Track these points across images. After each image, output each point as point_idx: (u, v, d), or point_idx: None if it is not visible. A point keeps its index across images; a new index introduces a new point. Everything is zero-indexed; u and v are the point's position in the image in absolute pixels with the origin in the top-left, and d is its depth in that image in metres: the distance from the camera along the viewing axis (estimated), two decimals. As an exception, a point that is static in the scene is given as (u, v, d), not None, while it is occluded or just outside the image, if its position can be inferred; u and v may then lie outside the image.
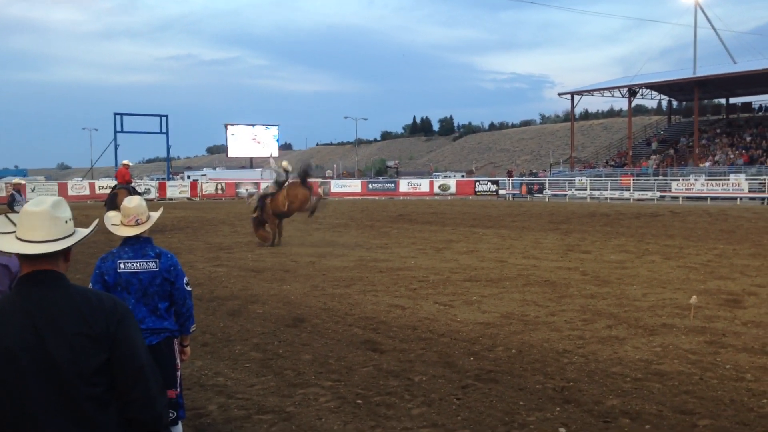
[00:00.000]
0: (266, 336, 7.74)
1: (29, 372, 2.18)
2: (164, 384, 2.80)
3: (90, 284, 4.21)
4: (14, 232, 2.36)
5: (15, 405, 2.16)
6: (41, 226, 2.33)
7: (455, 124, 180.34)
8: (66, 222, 2.40)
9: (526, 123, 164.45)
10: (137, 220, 4.28)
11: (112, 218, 4.41)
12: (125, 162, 22.37)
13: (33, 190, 42.24)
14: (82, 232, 2.48)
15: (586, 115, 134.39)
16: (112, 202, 18.87)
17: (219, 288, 10.78)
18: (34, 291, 2.28)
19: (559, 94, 63.57)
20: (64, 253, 2.38)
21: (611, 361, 6.59)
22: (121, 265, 4.21)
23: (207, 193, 47.48)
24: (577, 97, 59.85)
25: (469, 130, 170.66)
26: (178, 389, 4.48)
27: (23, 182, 19.34)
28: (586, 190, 44.14)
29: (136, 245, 4.28)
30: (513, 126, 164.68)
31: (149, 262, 4.25)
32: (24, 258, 2.33)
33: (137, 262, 4.23)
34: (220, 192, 48.12)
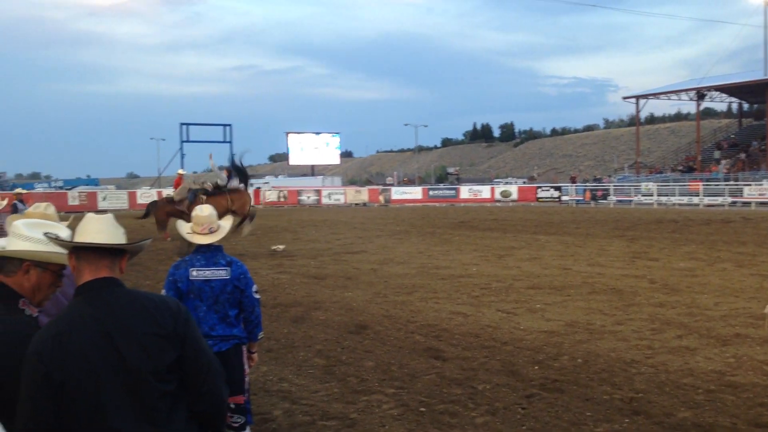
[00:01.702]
0: (329, 342, 7.79)
1: (103, 373, 2.27)
2: (233, 390, 2.87)
3: (163, 291, 4.32)
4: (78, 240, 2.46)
5: (90, 405, 2.24)
6: (106, 230, 2.46)
7: (516, 130, 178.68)
8: (123, 233, 2.53)
9: (589, 128, 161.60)
10: (210, 228, 4.38)
11: (184, 227, 4.52)
12: (180, 171, 23.22)
13: (104, 199, 43.64)
14: (137, 246, 2.60)
15: (652, 119, 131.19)
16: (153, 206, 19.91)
17: (282, 294, 10.91)
18: (98, 296, 2.38)
19: (624, 98, 62.11)
20: (120, 262, 2.49)
21: (682, 372, 6.40)
22: (194, 273, 4.31)
23: (269, 200, 48.14)
24: (642, 101, 58.53)
25: (531, 135, 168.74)
26: (246, 395, 4.55)
27: (24, 192, 19.99)
28: (652, 195, 43.02)
29: (208, 253, 4.38)
30: (575, 131, 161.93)
31: (221, 270, 4.34)
32: (86, 264, 2.42)
33: (209, 270, 4.32)
34: (282, 200, 48.74)
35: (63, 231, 2.68)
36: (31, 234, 2.60)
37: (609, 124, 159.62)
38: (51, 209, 4.05)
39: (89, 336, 2.30)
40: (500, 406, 5.58)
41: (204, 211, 4.44)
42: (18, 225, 2.65)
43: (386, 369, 6.69)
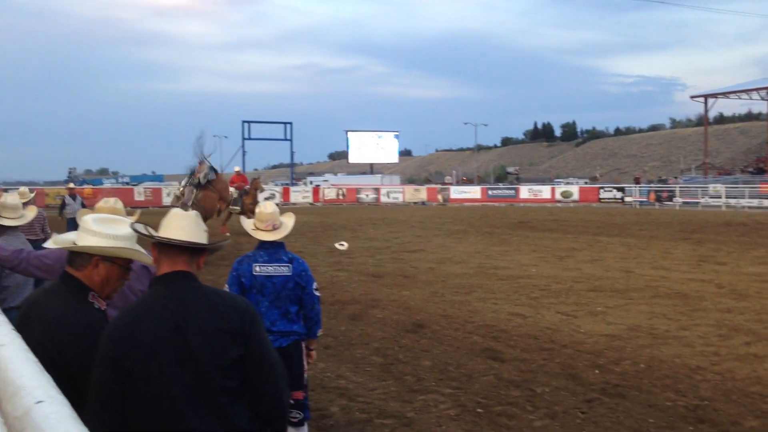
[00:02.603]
0: (386, 341, 7.80)
1: (169, 365, 2.33)
2: (292, 386, 2.90)
3: (226, 286, 4.39)
4: (153, 237, 2.54)
5: (156, 396, 2.30)
6: (188, 227, 2.52)
7: (578, 129, 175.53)
8: (205, 231, 2.60)
9: (654, 127, 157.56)
10: (273, 225, 4.45)
11: (248, 224, 4.60)
12: (236, 169, 24.16)
13: (169, 195, 44.56)
14: (215, 247, 2.71)
15: (720, 119, 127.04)
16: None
17: (340, 292, 10.98)
18: (172, 289, 2.45)
19: (692, 97, 60.50)
20: (198, 259, 2.56)
21: (750, 380, 6.18)
22: (257, 268, 4.38)
23: (328, 198, 48.54)
24: (711, 100, 56.87)
25: (593, 135, 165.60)
26: (305, 391, 4.59)
27: (75, 187, 20.37)
28: (720, 197, 41.71)
29: (271, 249, 4.45)
30: (640, 131, 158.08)
31: (283, 266, 4.41)
32: (166, 257, 2.50)
33: (272, 266, 4.39)
34: (341, 197, 49.06)
35: (127, 226, 2.75)
36: (100, 229, 2.67)
37: (675, 124, 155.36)
38: (119, 204, 4.16)
39: (159, 325, 2.37)
40: (559, 409, 5.49)
41: (267, 208, 4.52)
42: (87, 220, 2.72)
43: (443, 369, 6.67)
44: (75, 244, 2.67)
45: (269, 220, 4.46)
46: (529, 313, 9.23)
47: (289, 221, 4.62)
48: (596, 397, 5.77)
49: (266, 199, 21.76)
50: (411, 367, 6.76)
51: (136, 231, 2.65)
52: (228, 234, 19.44)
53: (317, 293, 4.60)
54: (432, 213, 36.43)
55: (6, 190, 18.65)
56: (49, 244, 2.89)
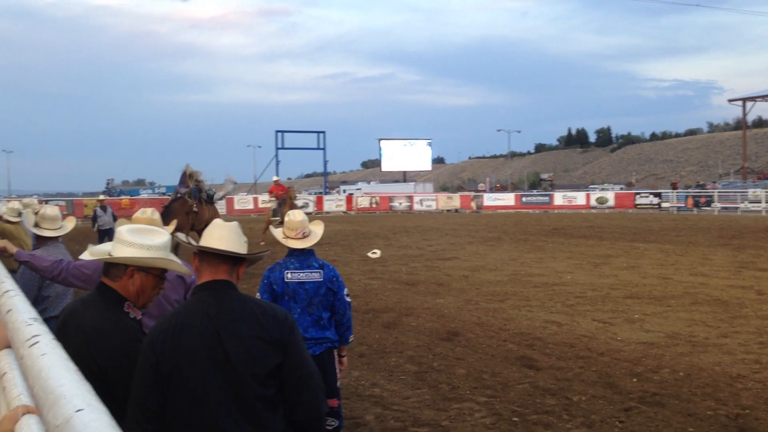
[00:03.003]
0: (421, 349, 7.79)
1: (208, 371, 2.38)
2: (327, 393, 2.91)
3: (258, 293, 4.43)
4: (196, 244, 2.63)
5: (194, 401, 2.35)
6: (229, 237, 2.58)
7: (613, 135, 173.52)
8: (245, 242, 2.65)
9: (691, 132, 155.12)
10: (303, 233, 4.49)
11: (277, 232, 4.65)
12: (275, 178, 24.13)
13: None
14: (255, 258, 2.79)
15: (759, 123, 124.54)
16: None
17: (374, 300, 10.99)
18: (213, 297, 2.51)
19: (730, 101, 59.72)
20: (238, 269, 2.61)
21: (793, 388, 6.04)
22: (288, 275, 4.42)
23: (361, 206, 48.63)
24: (749, 104, 55.87)
25: (628, 140, 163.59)
26: (338, 399, 4.61)
27: (106, 199, 20.51)
28: (760, 202, 40.90)
29: (302, 256, 4.49)
30: (677, 135, 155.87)
31: (314, 272, 4.45)
32: (207, 266, 2.57)
33: (303, 273, 4.43)
34: (374, 206, 49.12)
35: (164, 236, 2.79)
36: (135, 240, 2.70)
37: (713, 128, 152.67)
38: (156, 215, 4.21)
39: (200, 332, 2.42)
40: (596, 418, 5.43)
41: (296, 216, 4.55)
42: (122, 231, 2.75)
43: (478, 377, 6.63)
44: (110, 255, 2.72)
45: (299, 228, 4.50)
46: (564, 320, 9.14)
47: (318, 229, 4.65)
48: (634, 406, 5.69)
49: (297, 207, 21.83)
50: (445, 375, 6.73)
51: (178, 240, 2.74)
52: (263, 243, 19.57)
53: (348, 299, 4.63)
54: (465, 220, 36.30)
55: (46, 202, 19.02)
56: (85, 256, 2.93)
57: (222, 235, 2.59)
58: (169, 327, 2.46)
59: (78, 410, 0.84)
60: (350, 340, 4.72)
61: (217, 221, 2.70)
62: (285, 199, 22.43)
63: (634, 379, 6.43)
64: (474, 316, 9.50)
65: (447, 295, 11.32)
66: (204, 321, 2.45)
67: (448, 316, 9.60)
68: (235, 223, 2.69)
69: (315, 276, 4.45)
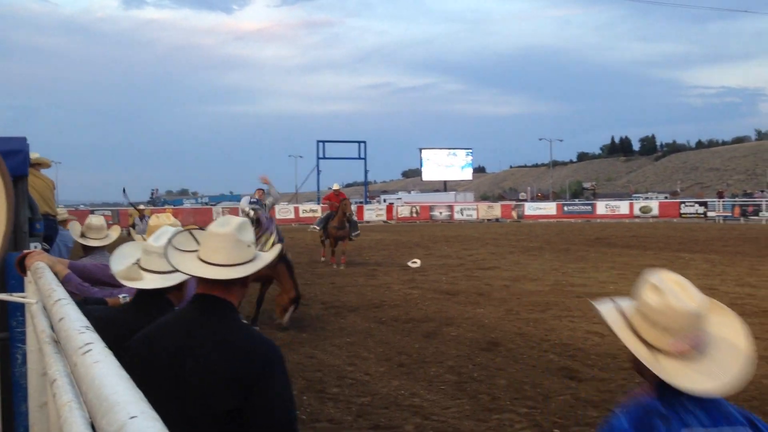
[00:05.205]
0: (461, 359, 7.77)
1: (166, 387, 2.15)
2: None
3: None
4: (197, 251, 2.35)
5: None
6: (223, 249, 2.27)
7: (657, 143, 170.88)
8: (248, 246, 2.33)
9: (738, 140, 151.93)
10: (696, 341, 1.99)
11: (642, 350, 2.42)
12: (335, 186, 19.86)
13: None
14: (265, 259, 2.40)
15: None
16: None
17: (414, 310, 10.99)
18: (198, 314, 2.28)
19: (777, 107, 58.14)
20: (243, 279, 2.32)
21: None
22: None
23: (402, 216, 48.67)
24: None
25: (673, 149, 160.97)
26: None
27: (145, 208, 20.38)
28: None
29: (708, 404, 2.01)
30: (723, 143, 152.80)
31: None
32: (200, 279, 2.32)
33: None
34: (414, 215, 49.13)
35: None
36: (157, 267, 2.81)
37: (762, 136, 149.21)
38: (171, 219, 4.22)
39: (170, 347, 2.22)
40: (639, 431, 5.35)
41: (683, 305, 2.03)
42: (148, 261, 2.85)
43: (519, 388, 6.59)
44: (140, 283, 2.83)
45: (687, 329, 1.98)
46: (607, 331, 9.01)
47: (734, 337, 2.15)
48: (678, 420, 5.59)
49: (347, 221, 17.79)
50: (486, 385, 6.71)
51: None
52: (323, 259, 18.84)
53: None
54: (506, 230, 36.08)
55: (92, 212, 19.41)
56: (125, 282, 2.93)
57: (216, 248, 2.27)
58: (148, 333, 2.31)
59: (132, 417, 0.88)
60: None
61: (211, 228, 2.37)
62: (335, 211, 18.21)
63: (679, 392, 6.32)
64: (515, 326, 9.44)
65: (487, 305, 11.27)
66: (178, 337, 2.23)
67: (488, 326, 9.56)
68: (233, 228, 2.31)
69: None
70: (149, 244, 2.90)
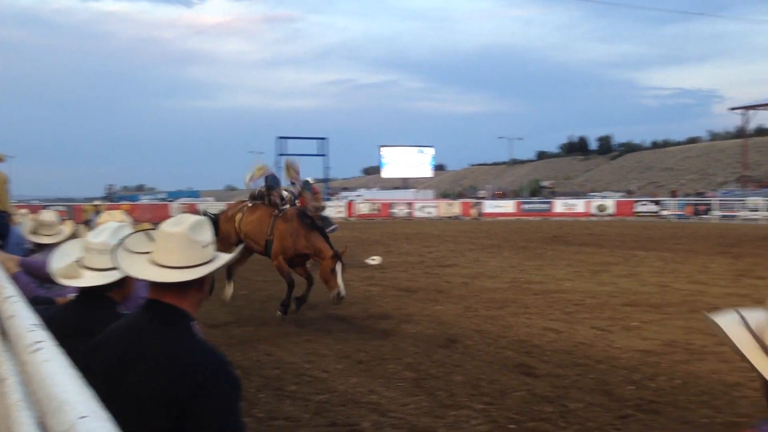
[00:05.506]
0: (419, 356, 7.81)
1: (107, 404, 1.97)
2: None
3: None
4: (150, 252, 2.20)
5: None
6: (176, 250, 2.12)
7: (614, 143, 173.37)
8: (204, 247, 2.17)
9: (692, 140, 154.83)
10: None
11: None
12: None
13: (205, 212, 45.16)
14: (222, 259, 2.24)
15: (760, 131, 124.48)
16: None
17: (373, 307, 11.01)
18: (146, 322, 2.11)
19: (731, 109, 59.82)
20: (198, 282, 2.16)
21: (789, 397, 6.06)
22: None
23: (362, 213, 48.68)
24: (750, 112, 55.96)
25: (629, 148, 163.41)
26: None
27: (100, 204, 20.20)
28: (759, 211, 40.95)
29: None
30: (677, 143, 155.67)
31: None
32: (151, 283, 2.16)
33: None
34: (374, 212, 49.18)
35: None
36: (99, 264, 2.77)
37: (714, 137, 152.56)
38: (122, 216, 4.15)
39: (112, 359, 2.09)
40: (593, 426, 5.45)
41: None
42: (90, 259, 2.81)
43: (476, 384, 6.65)
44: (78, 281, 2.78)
45: None
46: (563, 328, 9.16)
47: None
48: (631, 414, 5.71)
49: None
50: (443, 382, 6.76)
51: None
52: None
53: None
54: (466, 227, 36.34)
55: (45, 207, 19.00)
56: (63, 281, 2.85)
57: (169, 249, 2.12)
58: (93, 343, 2.19)
59: (81, 417, 0.88)
60: None
61: (162, 228, 2.20)
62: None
63: (631, 387, 6.46)
64: (473, 323, 9.52)
65: (446, 302, 11.34)
66: (119, 345, 2.10)
67: (447, 323, 9.62)
68: (187, 227, 2.16)
69: None
70: (89, 241, 2.85)
